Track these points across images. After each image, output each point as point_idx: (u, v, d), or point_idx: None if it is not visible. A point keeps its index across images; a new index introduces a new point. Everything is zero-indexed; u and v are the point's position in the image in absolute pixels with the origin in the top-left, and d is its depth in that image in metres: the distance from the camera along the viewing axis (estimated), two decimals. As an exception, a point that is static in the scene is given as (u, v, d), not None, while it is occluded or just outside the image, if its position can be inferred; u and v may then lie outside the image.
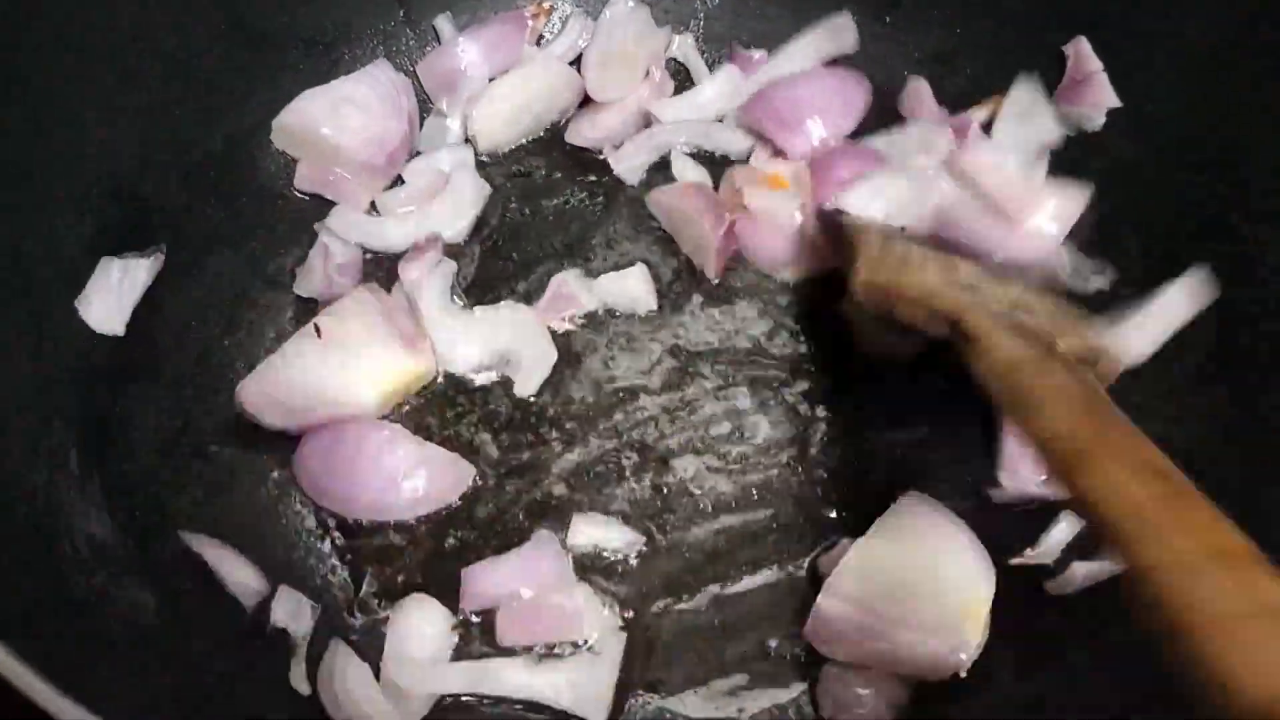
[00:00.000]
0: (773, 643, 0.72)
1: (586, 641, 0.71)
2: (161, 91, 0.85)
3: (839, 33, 0.96)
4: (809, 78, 0.94)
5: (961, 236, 0.83)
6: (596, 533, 0.76)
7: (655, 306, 0.87)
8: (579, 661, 0.70)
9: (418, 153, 0.94)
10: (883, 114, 0.94)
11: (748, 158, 0.93)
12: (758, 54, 0.97)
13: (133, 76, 0.83)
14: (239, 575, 0.72)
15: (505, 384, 0.83)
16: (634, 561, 0.75)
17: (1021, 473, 0.76)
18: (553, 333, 0.85)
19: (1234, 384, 0.73)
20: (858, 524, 0.72)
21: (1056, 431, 0.53)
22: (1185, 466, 0.66)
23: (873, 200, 0.86)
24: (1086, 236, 0.84)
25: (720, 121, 0.95)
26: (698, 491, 0.78)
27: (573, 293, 0.87)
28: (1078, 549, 0.72)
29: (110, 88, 0.82)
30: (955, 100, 0.93)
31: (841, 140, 0.92)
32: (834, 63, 0.97)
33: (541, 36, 1.00)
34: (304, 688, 0.67)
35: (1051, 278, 0.82)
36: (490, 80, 0.96)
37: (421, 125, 0.95)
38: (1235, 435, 0.70)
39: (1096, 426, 0.53)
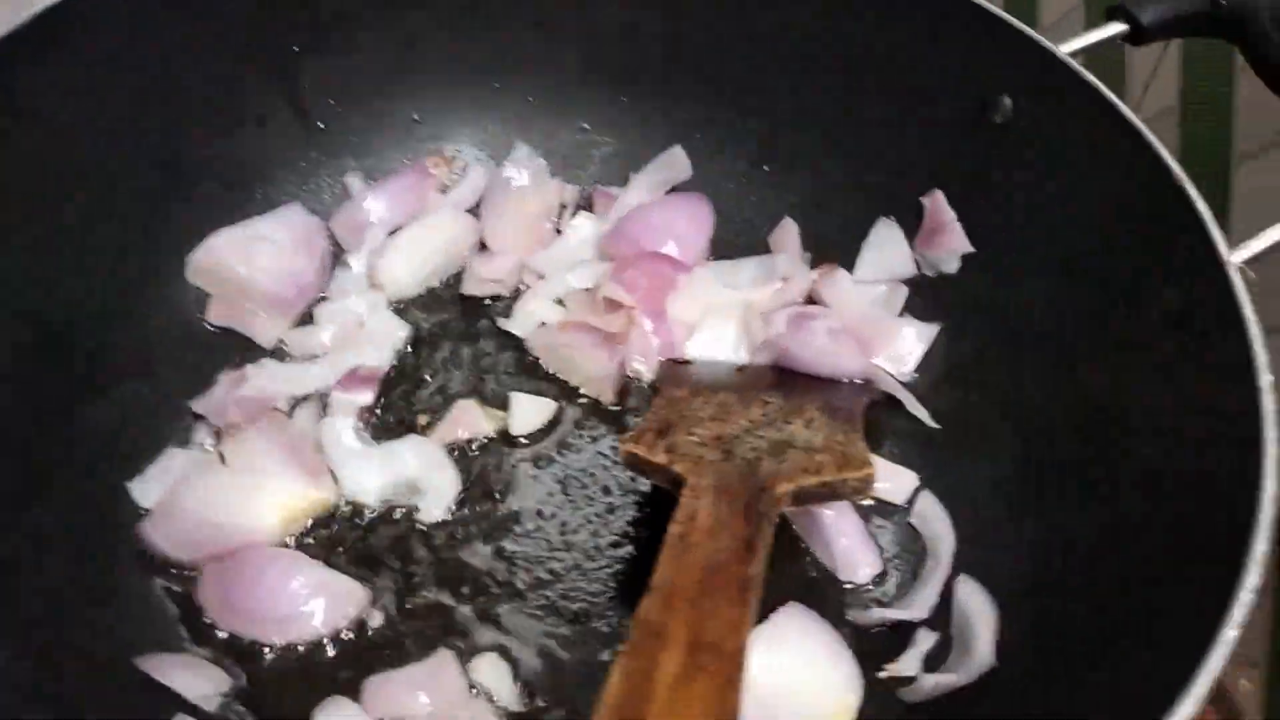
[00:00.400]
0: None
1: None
2: (80, 221, 0.90)
3: (673, 163, 1.07)
4: (659, 205, 1.04)
5: (807, 365, 0.92)
6: (492, 678, 0.79)
7: (551, 428, 0.93)
8: None
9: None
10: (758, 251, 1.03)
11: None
12: (614, 190, 1.07)
13: (53, 206, 0.88)
14: (197, 686, 0.75)
15: (407, 509, 0.87)
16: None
17: (856, 565, 0.83)
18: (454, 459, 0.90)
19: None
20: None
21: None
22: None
23: (713, 344, 0.95)
24: (939, 368, 0.94)
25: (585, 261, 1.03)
26: (597, 621, 0.82)
27: (472, 420, 0.92)
28: (928, 662, 0.78)
29: (30, 214, 0.86)
30: (823, 240, 1.02)
31: (699, 260, 1.01)
32: (674, 190, 1.07)
33: (445, 186, 1.07)
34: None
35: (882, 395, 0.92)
36: (396, 229, 1.03)
37: (332, 276, 1.01)
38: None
39: (665, 614, 0.58)
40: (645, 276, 0.98)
